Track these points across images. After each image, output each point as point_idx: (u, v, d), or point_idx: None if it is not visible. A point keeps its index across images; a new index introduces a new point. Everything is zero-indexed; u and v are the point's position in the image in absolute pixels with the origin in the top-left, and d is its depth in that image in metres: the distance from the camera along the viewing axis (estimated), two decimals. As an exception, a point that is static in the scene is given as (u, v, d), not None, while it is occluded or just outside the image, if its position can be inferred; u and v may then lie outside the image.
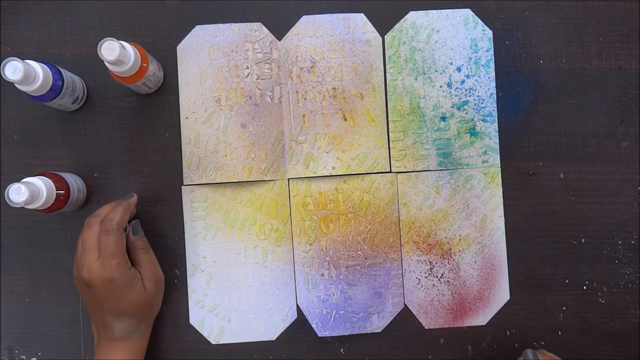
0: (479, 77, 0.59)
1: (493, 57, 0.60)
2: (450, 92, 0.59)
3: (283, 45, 0.59)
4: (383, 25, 0.60)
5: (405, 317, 0.59)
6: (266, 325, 0.59)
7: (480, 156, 0.59)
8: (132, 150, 0.59)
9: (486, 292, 0.59)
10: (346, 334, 0.59)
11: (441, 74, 0.59)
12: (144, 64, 0.53)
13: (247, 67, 0.59)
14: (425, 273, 0.59)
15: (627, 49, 0.60)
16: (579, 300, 0.60)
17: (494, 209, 0.60)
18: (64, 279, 0.58)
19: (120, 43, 0.49)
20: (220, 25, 0.59)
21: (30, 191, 0.48)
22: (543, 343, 0.60)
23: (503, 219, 0.60)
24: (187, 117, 0.58)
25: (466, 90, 0.59)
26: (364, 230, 0.59)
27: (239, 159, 0.58)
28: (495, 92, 0.60)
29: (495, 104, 0.60)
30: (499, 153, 0.59)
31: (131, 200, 0.55)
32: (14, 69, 0.47)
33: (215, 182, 0.58)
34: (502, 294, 0.60)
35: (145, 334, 0.55)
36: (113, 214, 0.52)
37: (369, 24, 0.59)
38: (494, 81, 0.60)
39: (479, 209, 0.59)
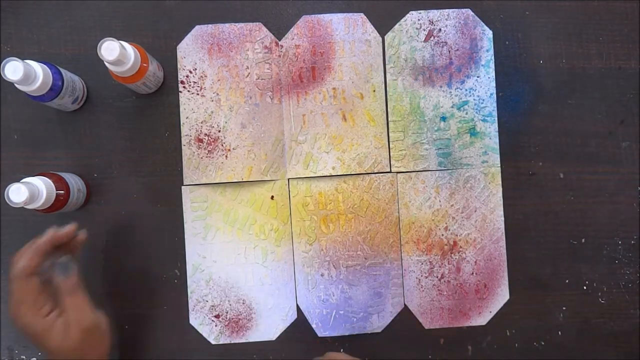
0: (479, 77, 0.59)
1: (493, 57, 0.60)
2: (450, 92, 0.59)
3: (283, 45, 0.59)
4: (383, 25, 0.60)
5: (405, 317, 0.59)
6: (266, 325, 0.59)
7: (480, 156, 0.59)
8: (132, 150, 0.59)
9: (486, 292, 0.59)
10: (346, 334, 0.59)
11: (441, 73, 0.59)
12: (144, 64, 0.53)
13: (247, 67, 0.59)
14: (425, 273, 0.59)
15: (627, 49, 0.60)
16: (579, 300, 0.60)
17: (494, 209, 0.60)
18: (64, 279, 0.58)
19: (120, 43, 0.49)
20: (220, 25, 0.59)
21: (30, 191, 0.48)
22: (543, 343, 0.60)
23: (503, 219, 0.60)
24: (187, 117, 0.58)
25: (466, 90, 0.59)
26: (364, 230, 0.59)
27: (239, 159, 0.58)
28: (495, 92, 0.60)
29: (495, 104, 0.60)
30: (499, 153, 0.59)
31: (55, 234, 0.48)
32: (14, 69, 0.47)
33: (215, 182, 0.58)
34: (502, 294, 0.60)
35: None
36: (17, 258, 0.47)
37: (369, 24, 0.59)
38: (494, 81, 0.60)
39: (479, 209, 0.59)
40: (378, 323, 0.59)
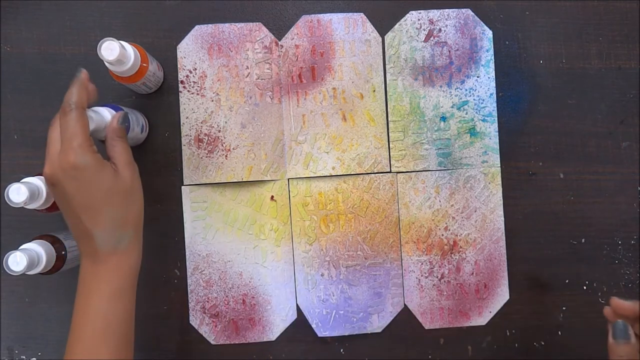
0: (479, 77, 0.59)
1: (493, 57, 0.60)
2: (450, 92, 0.59)
3: (283, 45, 0.59)
4: (383, 25, 0.60)
5: (405, 317, 0.59)
6: (266, 325, 0.59)
7: (480, 156, 0.59)
8: (131, 150, 0.59)
9: (486, 292, 0.59)
10: (346, 334, 0.59)
11: (441, 73, 0.59)
12: (144, 64, 0.53)
13: (247, 67, 0.59)
14: (425, 273, 0.59)
15: (627, 49, 0.60)
16: (579, 300, 0.60)
17: (494, 209, 0.60)
18: (64, 278, 0.58)
19: (120, 43, 0.49)
20: (220, 25, 0.59)
21: (30, 191, 0.48)
22: (543, 343, 0.60)
23: (503, 219, 0.60)
24: (187, 117, 0.58)
25: (466, 90, 0.59)
26: (364, 230, 0.59)
27: (239, 159, 0.58)
28: (495, 92, 0.60)
29: (495, 104, 0.60)
30: (499, 153, 0.59)
31: (81, 76, 0.46)
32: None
33: (215, 182, 0.58)
34: (502, 294, 0.60)
35: (133, 245, 0.47)
36: (68, 95, 0.45)
37: (369, 24, 0.59)
38: (494, 81, 0.60)
39: (479, 209, 0.59)
40: (378, 323, 0.59)
